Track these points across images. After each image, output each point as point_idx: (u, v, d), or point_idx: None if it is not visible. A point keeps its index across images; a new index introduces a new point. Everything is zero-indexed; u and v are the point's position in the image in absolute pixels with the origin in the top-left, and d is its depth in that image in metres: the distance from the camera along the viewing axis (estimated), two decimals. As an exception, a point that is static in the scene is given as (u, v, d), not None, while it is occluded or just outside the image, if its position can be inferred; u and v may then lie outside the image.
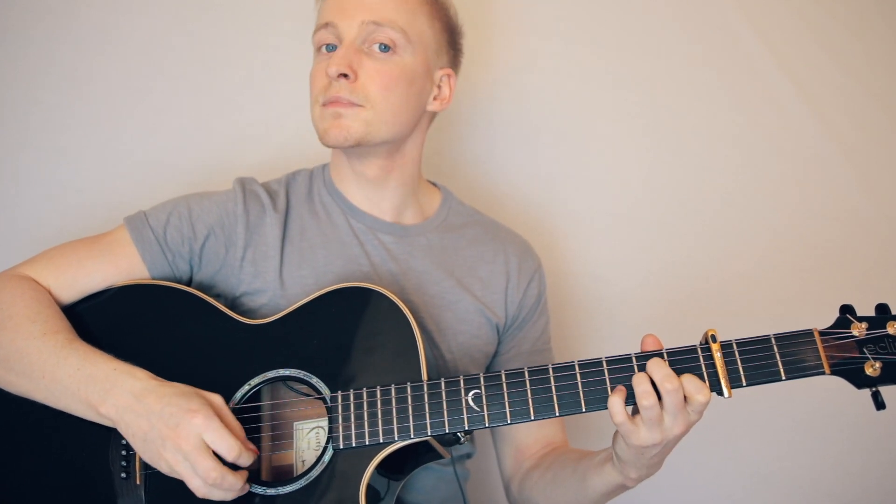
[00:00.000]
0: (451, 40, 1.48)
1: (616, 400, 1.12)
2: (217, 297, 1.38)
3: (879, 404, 1.12)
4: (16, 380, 1.23)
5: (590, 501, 1.34)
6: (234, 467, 1.14)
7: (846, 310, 1.16)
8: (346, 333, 1.27)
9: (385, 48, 1.35)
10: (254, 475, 1.20)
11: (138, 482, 1.21)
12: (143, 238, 1.37)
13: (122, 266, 1.35)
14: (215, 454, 1.12)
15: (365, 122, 1.35)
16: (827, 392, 1.60)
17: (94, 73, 1.79)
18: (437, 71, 1.45)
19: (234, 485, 1.13)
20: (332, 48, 1.38)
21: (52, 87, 1.76)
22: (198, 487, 1.12)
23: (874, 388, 1.12)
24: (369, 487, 1.18)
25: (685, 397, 1.11)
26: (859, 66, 2.06)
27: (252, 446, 1.17)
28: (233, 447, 1.12)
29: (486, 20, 1.95)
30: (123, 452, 1.22)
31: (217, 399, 1.17)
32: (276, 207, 1.44)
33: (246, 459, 1.14)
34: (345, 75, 1.33)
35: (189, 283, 1.40)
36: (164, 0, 1.82)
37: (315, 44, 1.42)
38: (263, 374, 1.26)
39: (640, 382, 1.11)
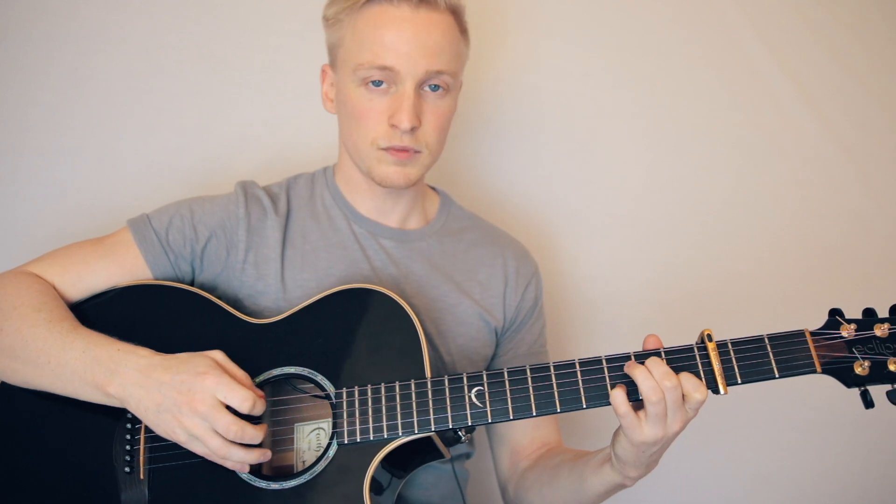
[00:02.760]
0: (466, 38, 1.47)
1: (618, 392, 1.14)
2: (219, 299, 1.38)
3: (868, 403, 1.16)
4: (21, 367, 1.24)
5: (587, 501, 1.35)
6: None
7: (835, 312, 1.20)
8: (351, 333, 1.28)
9: (436, 88, 1.36)
10: (257, 471, 1.21)
11: (142, 476, 1.22)
12: (145, 239, 1.38)
13: (126, 266, 1.37)
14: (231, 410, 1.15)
15: (422, 167, 1.39)
16: (826, 393, 1.60)
17: (94, 73, 1.79)
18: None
19: (255, 436, 1.15)
20: (378, 84, 1.34)
21: (52, 87, 1.76)
22: (217, 448, 1.14)
23: (863, 388, 1.16)
24: (373, 482, 1.19)
25: (683, 395, 1.13)
26: (859, 66, 2.06)
27: (260, 392, 1.19)
28: (246, 397, 1.14)
29: (487, 20, 1.95)
30: (127, 447, 1.23)
31: (219, 355, 1.20)
32: (277, 211, 1.45)
33: (260, 407, 1.16)
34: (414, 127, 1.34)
35: (191, 284, 1.41)
36: (165, 0, 1.82)
37: (360, 77, 1.35)
38: (269, 372, 1.27)
39: (645, 378, 1.13)
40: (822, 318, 1.22)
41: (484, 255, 1.55)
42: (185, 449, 1.20)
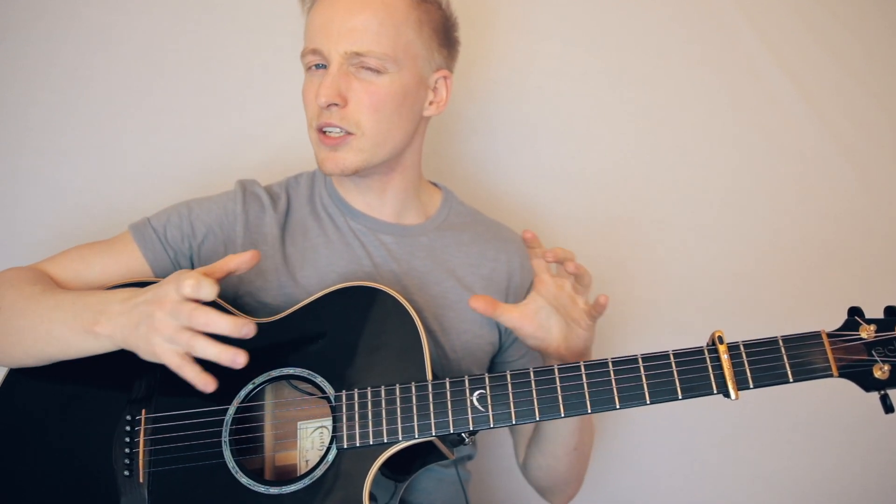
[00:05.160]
0: (444, 39, 1.45)
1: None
2: (218, 296, 1.38)
3: (888, 407, 1.11)
4: (18, 340, 1.23)
5: (565, 446, 1.44)
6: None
7: (854, 312, 1.15)
8: (351, 332, 1.27)
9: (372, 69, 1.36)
10: (257, 475, 1.20)
11: (141, 480, 1.20)
12: (144, 236, 1.39)
13: (123, 261, 1.37)
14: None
15: (359, 151, 1.36)
16: (827, 393, 1.60)
17: (94, 73, 1.78)
18: (432, 76, 1.44)
19: (210, 290, 1.11)
20: (322, 66, 1.37)
21: (52, 87, 1.76)
22: (186, 340, 1.12)
23: (882, 392, 1.12)
24: (373, 487, 1.18)
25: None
26: (859, 66, 2.06)
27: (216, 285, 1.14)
28: (203, 283, 1.11)
29: (486, 20, 1.95)
30: (126, 450, 1.22)
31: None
32: (276, 208, 1.45)
33: (209, 291, 1.12)
34: (334, 104, 1.33)
35: None
36: (165, 0, 1.82)
37: (304, 64, 1.41)
38: (268, 373, 1.25)
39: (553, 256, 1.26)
40: (823, 317, 1.21)
41: (487, 249, 1.54)
42: (185, 452, 1.20)
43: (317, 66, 1.37)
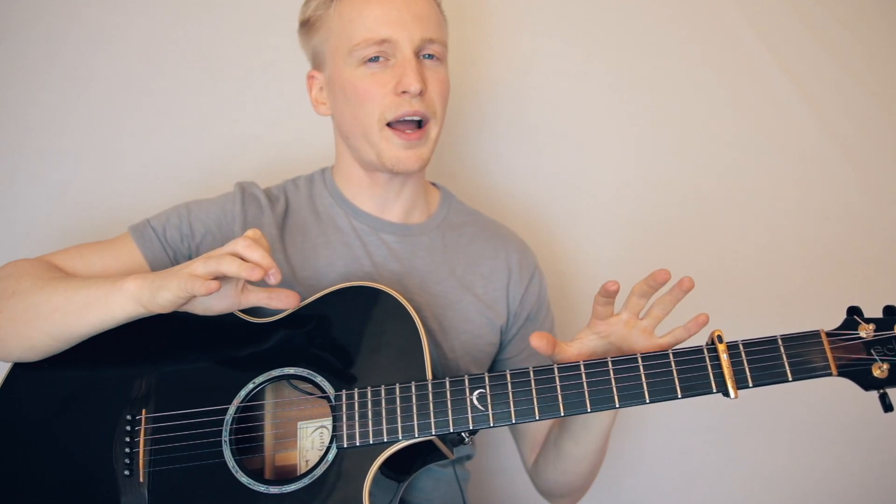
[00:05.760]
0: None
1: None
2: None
3: (887, 406, 1.11)
4: (34, 315, 1.23)
5: (595, 445, 1.38)
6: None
7: (853, 311, 1.15)
8: (351, 333, 1.27)
9: (431, 56, 1.39)
10: (257, 474, 1.20)
11: (142, 480, 1.21)
12: (143, 236, 1.39)
13: (122, 259, 1.37)
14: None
15: (430, 142, 1.40)
16: (827, 393, 1.61)
17: (94, 73, 1.79)
18: None
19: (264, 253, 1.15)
20: (376, 59, 1.36)
21: (52, 87, 1.77)
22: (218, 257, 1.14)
23: (882, 390, 1.11)
24: (373, 486, 1.18)
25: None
26: (859, 66, 2.06)
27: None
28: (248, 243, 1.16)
29: (486, 20, 1.95)
30: (127, 450, 1.22)
31: None
32: (274, 209, 1.46)
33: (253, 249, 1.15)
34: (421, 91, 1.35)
35: None
36: (165, 0, 1.82)
37: (358, 58, 1.36)
38: (268, 373, 1.25)
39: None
40: (823, 316, 1.21)
41: (486, 248, 1.54)
42: (185, 452, 1.20)
43: (373, 59, 1.36)
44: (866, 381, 1.12)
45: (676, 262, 1.97)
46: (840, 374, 1.12)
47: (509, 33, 1.98)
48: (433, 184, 1.62)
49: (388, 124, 1.36)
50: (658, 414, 1.89)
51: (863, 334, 1.12)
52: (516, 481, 1.84)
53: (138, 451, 1.22)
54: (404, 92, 1.33)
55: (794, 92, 2.03)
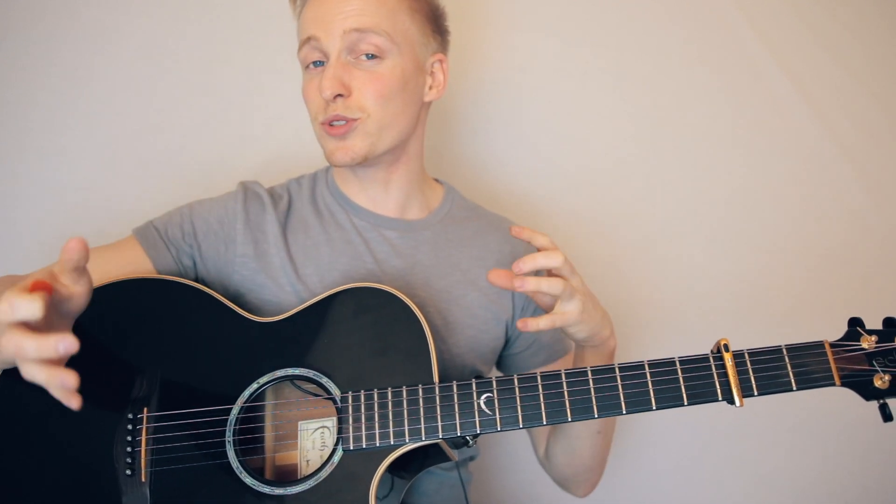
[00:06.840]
0: (436, 26, 1.47)
1: (530, 321, 1.20)
2: (221, 294, 1.38)
3: (886, 416, 1.13)
4: None
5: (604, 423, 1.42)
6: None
7: (855, 322, 1.17)
8: (357, 334, 1.27)
9: (372, 56, 1.35)
10: (258, 474, 1.20)
11: (143, 479, 1.20)
12: (146, 236, 1.40)
13: (126, 256, 1.38)
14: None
15: (366, 135, 1.36)
16: (827, 394, 1.60)
17: (94, 73, 1.78)
18: (428, 60, 1.45)
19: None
20: (319, 64, 1.38)
21: (52, 87, 1.76)
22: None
23: (882, 401, 1.13)
24: (379, 488, 1.18)
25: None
26: (859, 66, 2.06)
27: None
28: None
29: (485, 19, 1.95)
30: (128, 449, 1.21)
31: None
32: (276, 207, 1.46)
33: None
34: (339, 95, 1.34)
35: (195, 280, 1.41)
36: (165, 1, 1.81)
37: (301, 61, 1.42)
38: (272, 373, 1.25)
39: (539, 282, 1.19)
40: (823, 319, 1.22)
41: (490, 241, 1.54)
42: (187, 451, 1.20)
43: (314, 63, 1.39)
44: (867, 392, 1.14)
45: (675, 261, 1.99)
46: (843, 385, 1.14)
47: (508, 32, 1.98)
48: (437, 180, 1.62)
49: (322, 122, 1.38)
50: (659, 414, 1.90)
51: (865, 346, 1.14)
52: (518, 481, 1.84)
53: (140, 451, 1.21)
54: None
55: (794, 92, 2.04)
